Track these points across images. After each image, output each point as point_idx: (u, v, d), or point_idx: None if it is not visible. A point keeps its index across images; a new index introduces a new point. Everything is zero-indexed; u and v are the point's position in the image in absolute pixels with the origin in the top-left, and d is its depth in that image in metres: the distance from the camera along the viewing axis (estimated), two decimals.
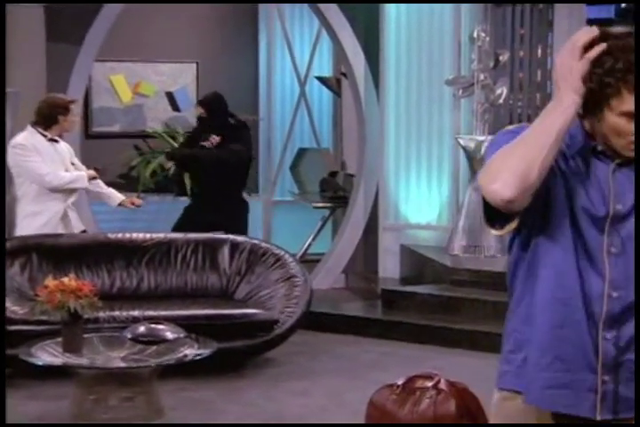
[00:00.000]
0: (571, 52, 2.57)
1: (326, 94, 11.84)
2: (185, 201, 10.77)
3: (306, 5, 10.51)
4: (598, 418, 2.69)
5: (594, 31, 2.59)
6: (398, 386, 4.58)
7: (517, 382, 2.79)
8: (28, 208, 7.53)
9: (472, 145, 9.21)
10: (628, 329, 2.67)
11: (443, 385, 4.46)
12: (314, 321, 7.88)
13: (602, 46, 2.57)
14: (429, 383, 4.50)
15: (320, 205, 11.14)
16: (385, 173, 9.99)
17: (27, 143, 7.45)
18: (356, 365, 7.55)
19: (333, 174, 11.29)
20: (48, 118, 7.52)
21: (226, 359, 6.86)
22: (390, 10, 9.87)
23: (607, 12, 10.53)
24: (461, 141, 9.30)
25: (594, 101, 2.65)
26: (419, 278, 9.27)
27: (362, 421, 6.01)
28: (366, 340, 8.29)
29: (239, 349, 7.09)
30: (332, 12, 9.88)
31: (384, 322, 8.55)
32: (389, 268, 9.96)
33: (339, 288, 9.88)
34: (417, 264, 9.56)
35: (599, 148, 2.71)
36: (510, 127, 2.87)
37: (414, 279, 9.36)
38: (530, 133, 2.61)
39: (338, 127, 11.76)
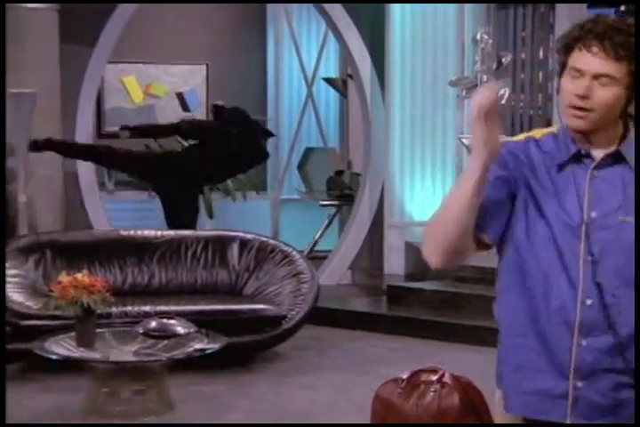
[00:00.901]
0: (476, 118, 2.51)
1: (333, 95, 11.83)
2: None
3: (313, 7, 10.49)
4: (568, 422, 2.66)
5: (493, 93, 2.52)
6: (403, 380, 4.51)
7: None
8: None
9: None
10: (605, 337, 2.61)
11: (447, 379, 4.40)
12: (321, 317, 7.87)
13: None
14: (434, 377, 4.44)
15: (327, 202, 11.15)
16: (390, 172, 9.98)
17: None
18: (363, 360, 7.54)
19: (340, 173, 11.29)
20: None
21: (235, 354, 6.85)
22: (395, 12, 9.85)
23: (608, 14, 10.53)
24: (465, 141, 9.29)
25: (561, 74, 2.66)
26: (423, 275, 9.24)
27: (368, 415, 6.00)
28: (372, 335, 8.28)
29: (248, 343, 7.09)
30: (339, 14, 9.86)
31: (390, 318, 8.56)
32: (394, 265, 9.95)
33: (345, 284, 9.86)
34: (421, 261, 9.34)
35: (583, 151, 2.67)
36: (509, 139, 2.82)
37: (419, 276, 9.35)
38: (449, 196, 2.64)
39: (344, 127, 11.75)
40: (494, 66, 9.18)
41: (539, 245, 2.66)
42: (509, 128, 9.83)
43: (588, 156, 2.66)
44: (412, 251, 9.79)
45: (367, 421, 5.78)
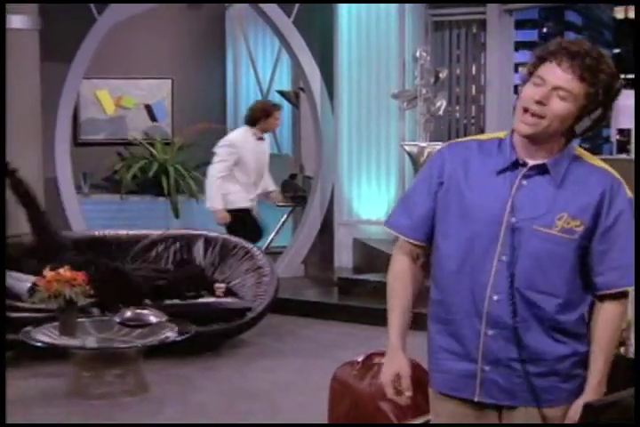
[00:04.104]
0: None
1: (286, 106, 11.83)
2: (163, 202, 10.82)
3: (268, 27, 10.52)
4: (476, 400, 2.71)
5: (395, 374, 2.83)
6: (358, 362, 4.61)
7: None
8: None
9: (415, 150, 9.27)
10: (508, 329, 2.64)
11: None
12: (279, 306, 7.87)
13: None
14: None
15: (282, 204, 11.15)
16: (339, 175, 10.03)
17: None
18: (318, 345, 7.57)
19: (293, 177, 11.30)
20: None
21: (204, 341, 6.87)
22: (343, 31, 9.91)
23: (531, 35, 10.69)
24: (406, 147, 9.36)
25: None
26: (370, 268, 9.29)
27: (325, 395, 6.03)
28: (325, 322, 8.30)
29: (215, 332, 7.10)
30: (292, 33, 9.89)
31: (341, 306, 8.59)
32: (343, 259, 10.01)
33: (299, 277, 9.89)
34: (368, 255, 9.59)
35: (520, 160, 2.66)
36: (458, 140, 2.87)
37: (366, 269, 9.39)
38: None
39: (296, 135, 11.76)
40: (432, 80, 9.25)
41: (458, 241, 2.69)
42: (446, 136, 9.94)
43: (525, 165, 2.66)
44: (360, 246, 9.86)
45: (323, 400, 5.88)
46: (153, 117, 11.42)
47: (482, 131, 9.79)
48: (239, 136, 8.54)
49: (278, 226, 11.13)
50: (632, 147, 9.57)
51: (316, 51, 10.03)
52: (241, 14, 11.59)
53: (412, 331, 7.87)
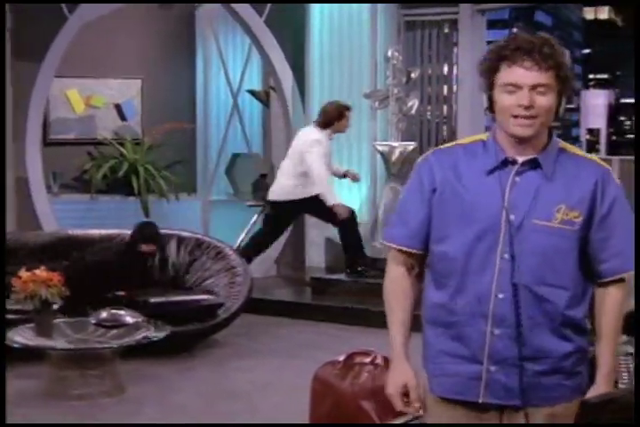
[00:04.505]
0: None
1: (256, 105, 11.86)
2: (133, 201, 10.78)
3: (238, 26, 10.52)
4: (480, 401, 2.70)
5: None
6: (339, 362, 4.63)
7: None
8: None
9: (387, 150, 9.33)
10: (513, 328, 2.65)
11: (379, 360, 4.52)
12: (252, 306, 7.89)
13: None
14: (367, 359, 4.55)
15: (253, 203, 11.17)
16: None
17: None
18: (292, 344, 7.58)
19: (264, 176, 11.31)
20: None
21: (179, 341, 6.87)
22: (315, 31, 9.96)
23: (501, 35, 10.77)
24: (378, 147, 9.41)
25: (491, 94, 2.69)
26: (342, 267, 9.32)
27: (303, 395, 6.06)
28: (299, 322, 8.33)
29: (190, 332, 7.10)
30: (264, 33, 9.91)
31: (314, 306, 8.61)
32: (315, 258, 10.05)
33: (271, 276, 9.91)
34: (340, 255, 9.60)
35: (510, 158, 2.70)
36: (442, 147, 2.89)
37: (338, 268, 9.41)
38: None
39: (267, 134, 11.77)
40: (404, 80, 9.30)
41: (460, 243, 2.69)
42: (418, 136, 10.00)
43: (515, 162, 2.69)
44: (332, 246, 9.89)
45: (301, 400, 5.90)
46: (123, 117, 11.37)
47: (454, 130, 9.86)
48: (322, 136, 8.61)
49: (249, 226, 11.15)
50: (601, 146, 9.68)
51: (288, 50, 10.05)
52: (211, 14, 11.56)
53: (384, 330, 7.91)
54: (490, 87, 2.68)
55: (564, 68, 2.64)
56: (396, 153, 9.28)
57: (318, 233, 10.04)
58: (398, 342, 2.84)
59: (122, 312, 6.48)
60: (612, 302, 2.73)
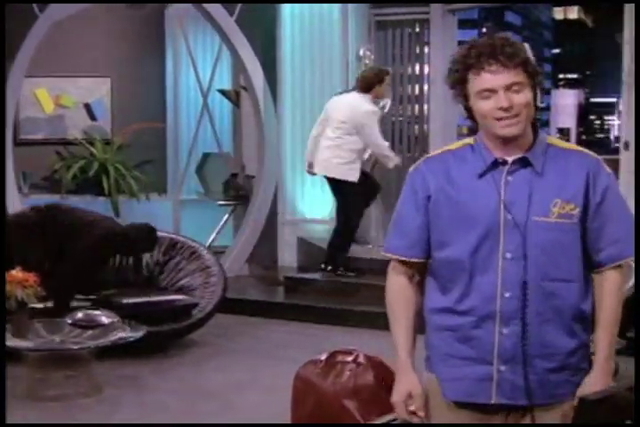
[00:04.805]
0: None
1: (226, 105, 11.85)
2: (104, 201, 10.75)
3: (208, 25, 10.51)
4: (492, 402, 2.72)
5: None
6: (321, 361, 4.63)
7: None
8: None
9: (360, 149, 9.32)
10: (521, 326, 2.68)
11: (361, 359, 4.53)
12: (226, 306, 7.89)
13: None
14: (349, 358, 4.56)
15: (224, 203, 11.18)
16: (283, 175, 10.07)
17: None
18: (267, 344, 7.60)
19: (235, 176, 11.31)
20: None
21: (153, 341, 6.85)
22: (286, 29, 9.96)
23: (471, 35, 10.85)
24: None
25: (466, 104, 2.74)
26: (315, 267, 9.32)
27: (278, 395, 6.04)
28: (273, 322, 8.34)
29: (165, 331, 7.09)
30: (234, 32, 9.89)
31: (287, 305, 8.62)
32: (287, 258, 10.04)
33: (243, 276, 9.89)
34: (313, 254, 9.63)
35: (499, 159, 2.73)
36: (431, 155, 2.93)
37: (311, 268, 9.42)
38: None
39: (237, 134, 11.76)
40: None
41: (462, 247, 2.72)
42: (389, 136, 10.02)
43: (505, 163, 2.73)
44: (304, 245, 9.91)
45: (279, 399, 5.91)
46: (92, 116, 11.34)
47: (426, 130, 9.90)
48: (370, 102, 8.57)
49: (220, 225, 11.16)
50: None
51: (259, 50, 10.04)
52: (180, 13, 11.55)
53: (359, 329, 7.94)
54: (465, 98, 2.72)
55: (530, 63, 2.69)
56: (367, 152, 9.29)
57: (290, 232, 10.05)
58: (404, 352, 2.87)
59: (97, 313, 6.47)
60: (610, 286, 2.74)
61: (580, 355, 2.74)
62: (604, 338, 2.74)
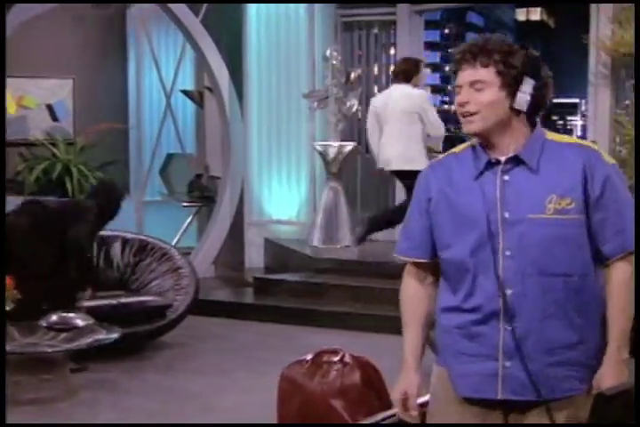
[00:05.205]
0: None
1: (190, 106, 11.82)
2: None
3: (171, 25, 10.49)
4: (499, 397, 2.76)
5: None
6: (307, 361, 4.62)
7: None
8: None
9: (327, 150, 9.37)
10: (524, 322, 2.71)
11: (348, 359, 4.53)
12: (195, 307, 7.86)
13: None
14: (335, 358, 4.56)
15: (188, 204, 11.15)
16: (249, 176, 10.07)
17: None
18: (239, 345, 7.59)
19: (199, 176, 11.29)
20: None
21: (127, 343, 6.80)
22: (252, 30, 9.98)
23: (433, 36, 10.93)
24: (318, 147, 9.45)
25: None
26: (282, 268, 9.36)
27: (255, 395, 6.11)
28: (243, 322, 8.32)
29: (138, 333, 7.06)
30: (200, 33, 9.87)
31: (258, 306, 8.62)
32: (254, 259, 10.06)
33: (210, 277, 9.86)
34: (280, 255, 9.65)
35: (493, 159, 2.77)
36: (436, 159, 2.98)
37: (278, 268, 9.45)
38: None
39: (200, 135, 11.74)
40: (343, 80, 9.35)
41: (463, 247, 2.77)
42: (356, 136, 10.06)
43: (499, 162, 2.77)
44: (271, 246, 9.92)
45: (253, 399, 5.94)
46: (54, 117, 11.26)
47: None
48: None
49: (184, 227, 11.12)
50: None
51: (225, 50, 10.02)
52: (142, 14, 11.49)
53: (329, 329, 7.96)
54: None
55: (507, 64, 2.71)
56: (336, 153, 9.33)
57: (257, 233, 10.06)
58: (408, 350, 2.94)
59: (72, 315, 6.42)
60: (619, 277, 2.75)
61: (582, 349, 2.76)
62: (616, 328, 2.75)
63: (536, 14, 76.80)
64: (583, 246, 2.74)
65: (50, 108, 11.22)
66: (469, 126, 2.75)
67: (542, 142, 2.78)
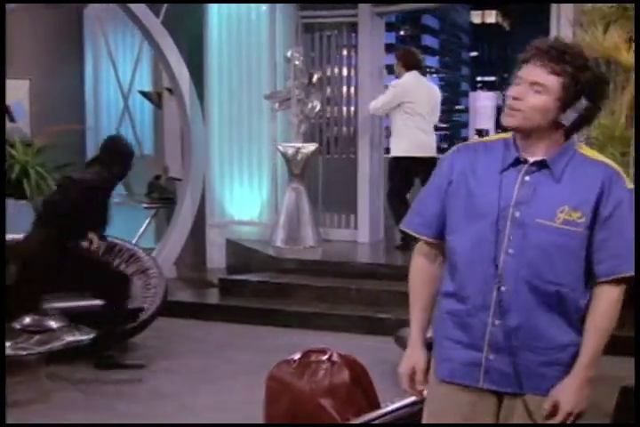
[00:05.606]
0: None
1: (147, 106, 11.77)
2: (25, 204, 10.55)
3: (128, 26, 10.44)
4: (480, 386, 2.86)
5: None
6: (295, 361, 4.65)
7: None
8: None
9: (289, 151, 9.40)
10: (514, 318, 2.77)
11: (336, 358, 4.57)
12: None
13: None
14: (323, 357, 4.60)
15: (148, 205, 11.11)
16: (211, 176, 10.06)
17: None
18: (208, 345, 7.59)
19: (158, 177, 11.26)
20: None
21: (97, 345, 6.77)
22: (213, 31, 9.96)
23: (389, 38, 11.01)
24: (280, 148, 9.48)
25: None
26: (245, 268, 9.35)
27: (228, 395, 6.13)
28: (209, 323, 8.31)
29: (110, 335, 6.99)
30: (160, 33, 9.83)
31: (223, 307, 8.60)
32: (216, 259, 10.05)
33: (172, 278, 9.78)
34: (242, 256, 9.65)
35: (521, 158, 2.83)
36: (466, 142, 3.06)
37: (241, 269, 9.44)
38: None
39: (159, 136, 11.70)
40: (305, 81, 9.39)
41: (468, 236, 2.83)
42: (317, 137, 10.10)
43: (526, 162, 2.82)
44: (232, 247, 9.92)
45: (229, 398, 5.95)
46: (11, 118, 11.14)
47: (355, 132, 10.00)
48: None
49: (142, 228, 11.07)
50: None
51: (186, 51, 10.00)
52: (99, 14, 11.44)
53: (295, 329, 7.95)
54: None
55: (575, 79, 2.74)
56: (298, 154, 9.37)
57: (219, 234, 10.06)
58: (415, 327, 3.02)
59: (45, 317, 6.38)
60: (607, 301, 2.81)
61: (572, 352, 2.82)
62: (590, 346, 2.80)
63: (491, 17, 77.41)
64: (580, 260, 2.79)
65: (6, 109, 11.09)
66: (509, 120, 2.79)
67: (572, 154, 2.83)
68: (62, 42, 11.55)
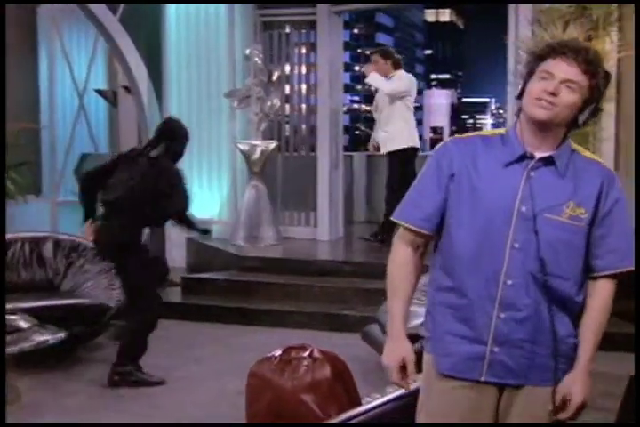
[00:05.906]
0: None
1: (103, 105, 11.71)
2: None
3: (82, 24, 10.38)
4: (482, 379, 2.88)
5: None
6: (276, 357, 4.67)
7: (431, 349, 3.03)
8: None
9: (249, 149, 9.41)
10: (519, 312, 2.82)
11: (317, 354, 4.60)
12: None
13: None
14: (304, 353, 4.62)
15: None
16: None
17: None
18: (173, 344, 7.54)
19: None
20: None
21: (63, 345, 6.73)
22: (171, 30, 9.93)
23: (344, 36, 11.03)
24: (240, 146, 9.48)
25: (525, 82, 2.88)
26: (207, 267, 9.33)
27: (197, 393, 6.11)
28: (173, 322, 8.20)
29: (76, 335, 6.97)
30: (118, 32, 9.80)
31: (187, 305, 8.56)
32: (177, 258, 10.01)
33: None
34: (204, 254, 9.64)
35: (528, 153, 2.87)
36: (461, 136, 3.06)
37: (202, 267, 9.43)
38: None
39: (114, 134, 11.65)
40: (265, 79, 9.40)
41: (474, 230, 2.85)
42: (276, 135, 10.11)
43: (532, 157, 2.86)
44: (193, 245, 9.89)
45: (199, 396, 5.93)
46: None
47: (313, 129, 10.03)
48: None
49: None
50: None
51: (144, 49, 9.98)
52: (54, 12, 11.35)
53: (259, 327, 7.92)
54: (529, 75, 2.87)
55: (598, 80, 2.83)
56: (258, 152, 9.38)
57: (179, 233, 9.99)
58: (397, 318, 2.99)
59: (15, 317, 6.33)
60: (603, 295, 2.90)
61: (572, 343, 2.89)
62: (589, 340, 2.89)
63: (445, 15, 77.75)
64: (581, 255, 2.88)
65: None
66: (544, 112, 2.80)
67: (571, 151, 2.91)
68: (16, 40, 11.41)
